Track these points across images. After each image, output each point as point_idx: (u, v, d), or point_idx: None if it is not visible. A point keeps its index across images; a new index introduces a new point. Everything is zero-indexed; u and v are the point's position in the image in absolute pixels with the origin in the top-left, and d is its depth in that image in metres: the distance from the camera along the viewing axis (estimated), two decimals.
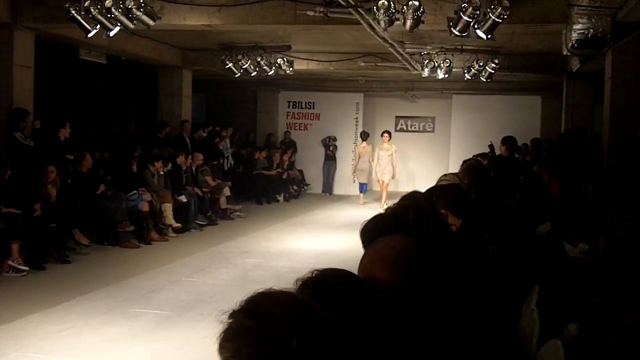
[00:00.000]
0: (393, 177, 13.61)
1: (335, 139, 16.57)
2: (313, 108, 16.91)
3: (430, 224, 2.16)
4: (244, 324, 1.04)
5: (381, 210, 11.26)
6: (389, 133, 13.79)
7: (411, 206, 2.22)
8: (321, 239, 9.93)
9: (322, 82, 16.09)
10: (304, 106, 16.97)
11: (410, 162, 17.32)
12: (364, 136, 14.95)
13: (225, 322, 1.06)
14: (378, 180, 13.62)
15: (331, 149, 16.54)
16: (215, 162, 12.30)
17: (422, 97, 16.62)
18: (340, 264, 1.60)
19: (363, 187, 14.95)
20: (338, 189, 16.53)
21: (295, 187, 15.62)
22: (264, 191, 14.38)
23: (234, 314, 1.06)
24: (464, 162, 6.93)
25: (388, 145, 13.54)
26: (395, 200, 2.54)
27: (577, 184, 5.50)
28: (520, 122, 14.95)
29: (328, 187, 16.73)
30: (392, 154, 13.43)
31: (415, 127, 17.26)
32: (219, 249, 8.89)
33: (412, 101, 16.84)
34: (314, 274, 1.38)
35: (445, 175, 4.86)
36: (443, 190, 3.28)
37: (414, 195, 2.76)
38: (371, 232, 1.89)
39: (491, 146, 12.13)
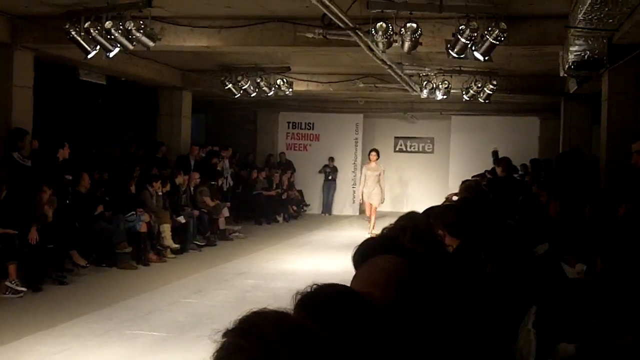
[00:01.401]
0: (382, 201, 12.77)
1: (331, 165, 16.56)
2: (313, 129, 16.99)
3: (427, 245, 2.16)
4: (237, 343, 1.03)
5: (369, 235, 11.28)
6: (377, 152, 12.74)
7: (408, 227, 2.23)
8: (320, 259, 9.93)
9: (322, 103, 16.18)
10: (303, 127, 17.05)
11: (409, 183, 17.34)
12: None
13: (218, 341, 1.06)
14: (364, 203, 12.75)
15: (330, 177, 16.58)
16: (214, 183, 12.34)
17: (421, 118, 16.70)
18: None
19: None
20: (337, 209, 16.55)
21: (294, 208, 15.63)
22: (263, 212, 14.40)
23: (227, 333, 1.06)
24: (463, 182, 6.94)
25: (375, 165, 12.59)
26: (392, 221, 2.56)
27: (576, 205, 5.52)
28: (518, 143, 15.00)
29: (327, 208, 16.74)
30: (379, 175, 12.51)
31: (414, 148, 17.32)
32: (217, 270, 8.88)
33: (411, 122, 16.91)
34: (312, 289, 1.38)
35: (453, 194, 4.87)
36: (440, 210, 3.29)
37: (411, 216, 2.76)
38: (362, 255, 1.88)
39: (495, 152, 12.13)
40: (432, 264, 2.10)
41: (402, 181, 17.32)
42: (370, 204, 12.41)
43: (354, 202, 15.91)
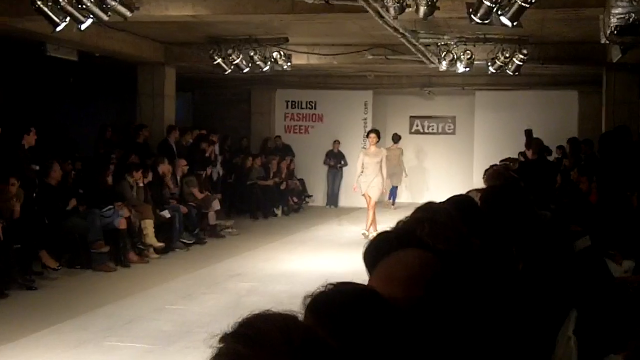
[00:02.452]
0: (383, 192, 12.35)
1: (337, 150, 16.58)
2: (315, 108, 16.97)
3: (448, 240, 2.14)
4: (236, 350, 1.02)
5: (366, 234, 11.19)
6: (377, 133, 11.84)
7: (426, 219, 2.20)
8: (326, 259, 9.95)
9: (325, 79, 16.15)
10: (304, 106, 17.03)
11: (427, 169, 17.34)
12: (395, 138, 16.26)
13: (215, 347, 1.05)
14: (363, 195, 11.80)
15: (338, 166, 16.59)
16: (203, 172, 12.34)
17: (440, 94, 16.66)
18: None
19: (392, 192, 16.02)
20: (345, 201, 16.53)
21: (295, 199, 15.65)
22: (260, 204, 14.42)
23: (225, 338, 1.05)
24: (490, 167, 6.91)
25: (375, 149, 11.82)
26: (407, 214, 2.54)
27: (622, 191, 5.47)
28: (554, 121, 14.96)
29: (333, 199, 16.76)
30: (381, 161, 11.71)
31: (432, 129, 17.30)
32: (208, 272, 8.93)
33: (428, 99, 16.87)
34: (327, 289, 1.37)
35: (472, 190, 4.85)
36: (463, 200, 3.26)
37: (428, 207, 2.73)
38: (376, 253, 1.86)
39: (529, 132, 12.06)
40: (455, 262, 2.07)
41: (420, 168, 17.31)
42: (369, 197, 11.65)
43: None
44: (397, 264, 1.61)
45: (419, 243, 2.03)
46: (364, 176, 11.69)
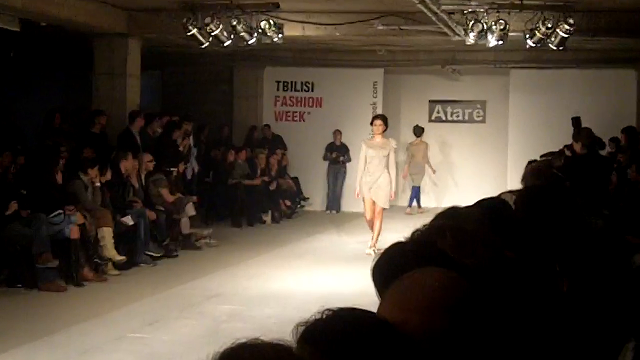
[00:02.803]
0: (393, 196, 11.94)
1: (339, 142, 16.64)
2: (312, 90, 17.01)
3: (476, 253, 2.14)
4: None
5: (370, 252, 11.02)
6: (384, 120, 11.61)
7: (448, 228, 2.20)
8: (326, 277, 9.97)
9: (325, 55, 16.16)
10: (299, 88, 17.07)
11: (451, 167, 17.38)
12: (418, 131, 16.50)
13: None
14: (363, 200, 11.51)
15: (341, 159, 16.66)
16: (174, 169, 12.34)
17: (466, 73, 16.71)
18: None
19: (415, 193, 16.44)
20: (349, 204, 16.52)
21: (288, 203, 15.68)
22: (244, 208, 14.44)
23: None
24: (529, 163, 6.92)
25: (382, 140, 11.58)
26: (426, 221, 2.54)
27: None
28: (607, 107, 15.00)
29: (334, 202, 16.82)
30: (388, 155, 11.47)
31: (457, 116, 17.35)
32: (180, 292, 8.93)
33: (452, 79, 16.90)
34: (324, 316, 1.40)
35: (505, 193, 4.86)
36: (495, 204, 3.26)
37: (452, 213, 2.75)
38: (388, 270, 1.87)
39: (576, 120, 12.06)
40: (485, 282, 2.07)
41: (442, 165, 17.32)
42: (373, 203, 11.36)
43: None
44: (413, 287, 1.60)
45: (441, 257, 2.03)
46: (366, 175, 11.41)
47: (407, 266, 1.81)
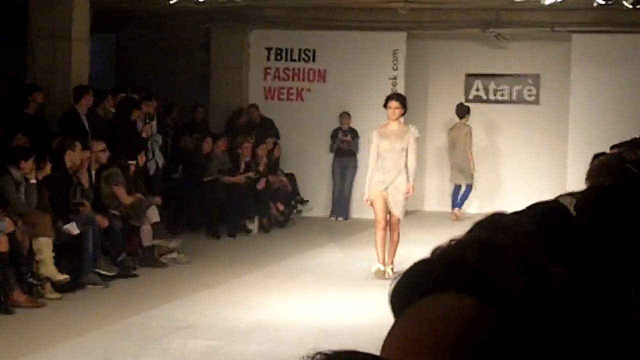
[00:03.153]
0: (408, 195, 11.69)
1: (347, 127, 16.76)
2: (313, 61, 17.02)
3: (518, 274, 2.11)
4: None
5: (382, 269, 11.03)
6: (401, 101, 11.61)
7: (485, 242, 2.18)
8: (327, 303, 10.01)
9: (329, 15, 16.21)
10: (296, 57, 17.06)
11: (494, 160, 17.28)
12: (462, 111, 16.61)
13: None
14: (371, 204, 11.65)
15: (347, 147, 16.65)
16: (132, 161, 12.29)
17: (515, 39, 16.78)
18: (363, 347, 1.59)
19: (458, 194, 16.56)
20: (359, 209, 16.39)
21: (280, 207, 15.65)
22: (224, 214, 14.41)
23: None
24: (595, 157, 6.91)
25: (400, 126, 11.63)
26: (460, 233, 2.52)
27: None
28: None
29: (341, 206, 16.95)
30: (407, 147, 11.48)
31: (503, 95, 17.41)
32: (139, 322, 8.96)
33: (496, 47, 16.93)
34: None
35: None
36: (547, 210, 3.23)
37: (493, 222, 2.74)
38: (411, 295, 1.86)
39: None
40: (529, 310, 2.09)
41: (484, 158, 17.24)
42: (386, 210, 11.45)
43: None
44: (421, 320, 1.60)
45: (479, 280, 2.02)
46: (379, 173, 11.41)
47: (436, 290, 1.80)
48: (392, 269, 11.09)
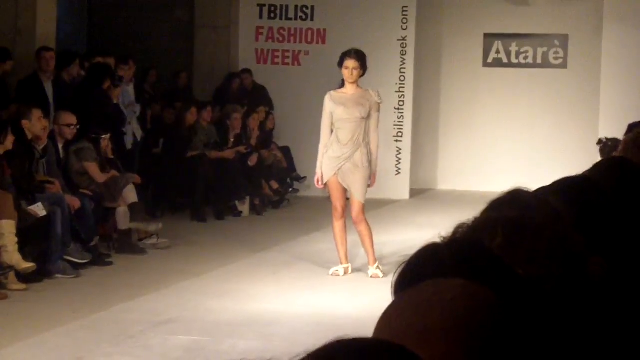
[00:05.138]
0: (372, 182, 11.19)
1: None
2: (311, 19, 16.98)
3: (540, 258, 2.11)
4: None
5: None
6: (359, 57, 11.02)
7: (502, 222, 2.15)
8: (326, 294, 10.16)
9: None
10: (292, 15, 17.07)
11: (522, 133, 17.27)
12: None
13: None
14: (325, 187, 11.22)
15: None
16: (105, 135, 12.27)
17: None
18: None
19: None
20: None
21: (274, 185, 15.72)
22: (210, 194, 14.46)
23: None
24: (630, 129, 6.90)
25: (358, 91, 11.07)
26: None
27: None
28: None
29: None
30: (368, 116, 10.95)
31: (526, 58, 17.46)
32: (114, 316, 9.05)
33: (518, 4, 16.85)
34: (326, 349, 1.46)
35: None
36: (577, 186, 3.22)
37: (514, 199, 2.74)
38: (414, 281, 1.88)
39: None
40: (549, 299, 2.11)
41: (505, 130, 17.25)
42: (343, 191, 11.02)
43: (398, 171, 15.90)
44: (417, 307, 1.64)
45: (493, 265, 2.03)
46: (334, 147, 10.89)
47: (444, 277, 1.84)
48: (378, 268, 10.75)
